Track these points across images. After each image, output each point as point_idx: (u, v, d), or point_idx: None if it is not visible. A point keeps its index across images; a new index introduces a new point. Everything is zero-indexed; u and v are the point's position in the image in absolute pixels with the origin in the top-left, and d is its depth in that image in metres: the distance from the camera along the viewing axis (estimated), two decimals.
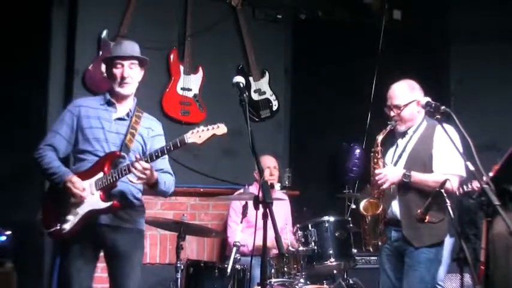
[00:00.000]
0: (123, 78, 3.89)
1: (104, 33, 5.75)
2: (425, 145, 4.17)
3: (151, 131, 4.00)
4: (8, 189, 5.28)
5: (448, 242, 5.40)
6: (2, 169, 5.18)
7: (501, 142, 5.53)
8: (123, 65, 3.89)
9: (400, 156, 4.21)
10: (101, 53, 5.71)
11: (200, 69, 6.21)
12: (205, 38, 6.21)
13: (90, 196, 3.76)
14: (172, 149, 3.73)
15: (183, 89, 6.12)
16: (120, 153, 3.82)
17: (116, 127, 3.90)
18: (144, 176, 3.72)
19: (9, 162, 5.20)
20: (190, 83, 6.15)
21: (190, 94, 6.15)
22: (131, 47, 3.97)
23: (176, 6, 6.17)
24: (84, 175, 3.79)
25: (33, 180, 5.40)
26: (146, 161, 3.70)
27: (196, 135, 3.73)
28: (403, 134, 4.25)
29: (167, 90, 6.06)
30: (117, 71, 3.90)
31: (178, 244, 4.62)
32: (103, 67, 5.66)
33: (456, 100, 6.68)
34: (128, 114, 3.95)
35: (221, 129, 3.78)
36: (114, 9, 5.85)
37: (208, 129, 3.75)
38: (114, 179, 3.75)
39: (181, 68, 6.13)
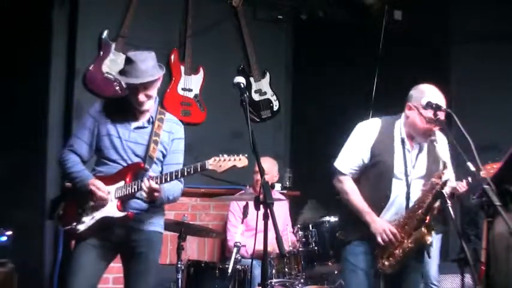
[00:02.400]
0: (139, 103, 3.78)
1: (105, 33, 5.75)
2: (434, 157, 3.93)
3: (172, 134, 3.93)
4: (8, 189, 5.28)
5: (437, 240, 5.43)
6: (2, 169, 5.18)
7: (501, 142, 5.52)
8: (138, 90, 3.75)
9: (413, 167, 3.95)
10: (101, 53, 5.72)
11: (201, 69, 6.22)
12: (206, 39, 6.21)
13: (108, 202, 3.76)
14: (192, 172, 3.68)
15: (183, 89, 6.12)
16: (144, 166, 3.79)
17: (135, 136, 3.83)
18: (152, 196, 3.73)
19: (9, 162, 5.21)
20: (191, 84, 6.15)
21: (191, 94, 6.15)
22: (143, 66, 3.72)
23: (177, 6, 6.18)
24: (106, 181, 3.78)
25: (34, 180, 5.42)
26: (166, 180, 3.69)
27: (217, 164, 3.67)
28: (414, 144, 3.97)
29: (168, 90, 6.06)
30: (132, 95, 3.78)
31: (179, 244, 4.63)
32: (104, 67, 5.70)
33: (457, 100, 6.67)
34: (148, 121, 3.87)
35: (242, 161, 3.71)
36: (115, 9, 5.85)
37: (230, 160, 3.68)
38: (133, 191, 3.74)
39: (182, 68, 6.13)
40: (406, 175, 3.91)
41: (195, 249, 6.02)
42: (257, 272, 4.84)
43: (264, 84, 6.57)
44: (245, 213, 4.83)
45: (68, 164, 3.82)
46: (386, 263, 3.88)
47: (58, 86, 5.68)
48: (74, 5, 5.71)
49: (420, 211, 3.87)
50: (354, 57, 6.50)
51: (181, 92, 6.11)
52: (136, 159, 3.82)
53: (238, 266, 4.76)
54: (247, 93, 3.58)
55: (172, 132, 3.93)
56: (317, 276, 5.19)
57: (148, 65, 3.74)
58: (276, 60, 6.74)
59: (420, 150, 3.97)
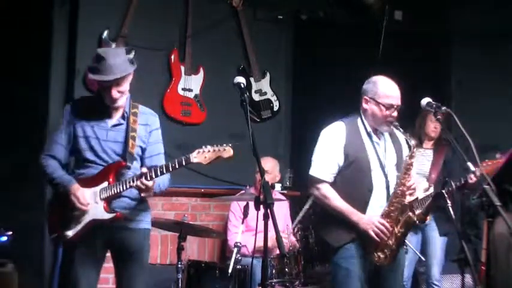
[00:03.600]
0: (112, 99, 3.77)
1: (105, 33, 5.75)
2: (399, 148, 4.08)
3: (148, 127, 3.92)
4: (9, 189, 5.28)
5: (440, 240, 5.43)
6: (3, 169, 5.18)
7: (501, 142, 5.52)
8: (111, 86, 3.73)
9: (386, 158, 4.02)
10: None
11: (201, 69, 6.21)
12: (206, 39, 6.21)
13: (94, 205, 3.74)
14: (177, 166, 3.67)
15: (184, 89, 6.12)
16: (126, 164, 3.78)
17: (113, 135, 3.82)
18: (148, 192, 3.73)
19: (9, 162, 5.21)
20: (191, 84, 6.15)
21: (191, 94, 6.15)
22: (114, 62, 3.71)
23: (177, 6, 6.17)
24: (89, 182, 3.77)
25: (34, 181, 5.40)
26: (150, 177, 3.66)
27: (202, 156, 3.68)
28: (379, 135, 4.07)
29: (168, 90, 6.05)
30: (105, 92, 3.76)
31: (179, 245, 4.62)
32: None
33: (457, 100, 6.68)
34: (123, 117, 3.86)
35: (227, 152, 3.69)
36: (115, 9, 5.85)
37: (214, 151, 3.68)
38: (119, 191, 3.73)
39: (182, 68, 6.13)
40: (382, 167, 3.97)
41: (195, 249, 6.01)
42: (257, 272, 4.84)
43: (264, 84, 6.57)
44: (245, 213, 4.83)
45: (48, 170, 3.82)
46: (381, 255, 3.90)
47: (58, 86, 5.68)
48: (74, 5, 5.70)
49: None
50: (354, 57, 6.49)
51: (181, 92, 6.11)
52: (117, 158, 3.81)
53: (238, 266, 4.76)
54: (248, 94, 3.57)
55: (148, 125, 3.93)
56: (317, 276, 5.19)
57: (119, 60, 3.73)
58: (276, 60, 6.73)
59: (386, 140, 4.07)
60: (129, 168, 3.80)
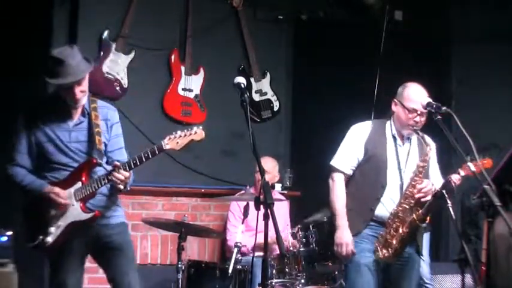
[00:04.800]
0: (76, 100, 3.72)
1: (105, 33, 5.75)
2: (422, 150, 4.08)
3: (109, 121, 3.88)
4: (9, 189, 5.27)
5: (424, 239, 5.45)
6: (3, 169, 5.17)
7: (502, 142, 5.52)
8: (73, 87, 3.67)
9: (406, 162, 4.08)
10: (102, 53, 5.72)
11: (201, 69, 6.21)
12: (206, 39, 6.21)
13: (71, 207, 3.70)
14: (150, 156, 3.64)
15: (184, 89, 6.12)
16: (97, 161, 3.73)
17: (75, 135, 3.77)
18: (124, 184, 3.69)
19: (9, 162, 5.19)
20: (191, 84, 6.15)
21: (191, 95, 6.14)
22: (74, 63, 3.66)
23: (177, 6, 6.17)
24: (62, 185, 3.72)
25: None
26: (125, 169, 3.63)
27: (174, 142, 3.65)
28: (405, 140, 4.13)
29: (168, 90, 6.05)
30: (68, 94, 3.71)
31: (179, 245, 4.62)
32: (105, 67, 5.70)
33: (457, 100, 6.68)
34: (83, 114, 3.81)
35: (199, 134, 3.69)
36: (115, 9, 5.85)
37: (185, 135, 3.66)
38: (94, 189, 3.69)
39: (183, 68, 6.12)
40: (399, 167, 4.07)
41: (195, 249, 6.01)
42: (258, 272, 4.83)
43: (265, 84, 6.57)
44: (246, 213, 4.83)
45: (18, 178, 3.80)
46: (386, 254, 3.99)
47: None
48: (74, 4, 5.70)
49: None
50: (354, 57, 6.49)
51: (181, 92, 6.10)
52: (86, 157, 3.77)
53: (238, 266, 4.76)
54: (248, 94, 3.57)
55: (108, 119, 3.89)
56: (317, 276, 5.19)
57: (77, 60, 3.68)
58: (276, 60, 6.73)
59: (412, 145, 4.14)
60: (100, 165, 3.74)
